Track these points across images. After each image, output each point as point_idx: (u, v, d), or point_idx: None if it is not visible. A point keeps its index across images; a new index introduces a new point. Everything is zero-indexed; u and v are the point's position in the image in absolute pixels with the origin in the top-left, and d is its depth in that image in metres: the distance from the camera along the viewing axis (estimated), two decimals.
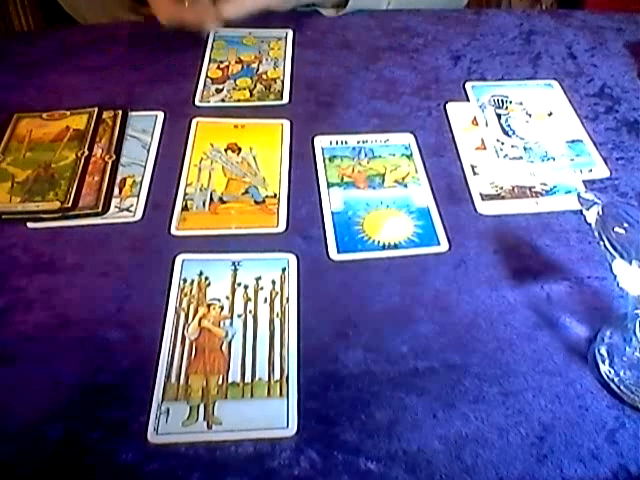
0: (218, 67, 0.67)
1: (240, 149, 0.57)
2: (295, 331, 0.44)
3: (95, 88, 0.63)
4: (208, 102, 0.63)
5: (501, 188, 0.54)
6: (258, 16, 0.66)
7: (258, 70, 0.66)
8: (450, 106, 0.62)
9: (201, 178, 0.55)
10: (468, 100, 0.63)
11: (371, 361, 0.42)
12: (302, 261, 0.48)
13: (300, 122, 0.60)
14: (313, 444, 0.38)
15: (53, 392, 0.41)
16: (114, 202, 0.52)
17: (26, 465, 0.38)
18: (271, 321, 0.44)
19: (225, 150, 0.57)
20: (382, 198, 0.53)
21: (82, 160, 0.55)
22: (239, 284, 0.46)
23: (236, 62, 0.68)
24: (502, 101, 0.63)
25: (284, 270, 0.47)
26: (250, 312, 0.45)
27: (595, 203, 0.39)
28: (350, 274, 0.48)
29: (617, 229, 0.38)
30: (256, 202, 0.53)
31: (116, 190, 0.53)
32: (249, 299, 0.45)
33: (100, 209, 0.51)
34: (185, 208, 0.52)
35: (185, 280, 0.47)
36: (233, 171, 0.55)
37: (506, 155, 0.57)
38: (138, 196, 0.53)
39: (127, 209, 0.52)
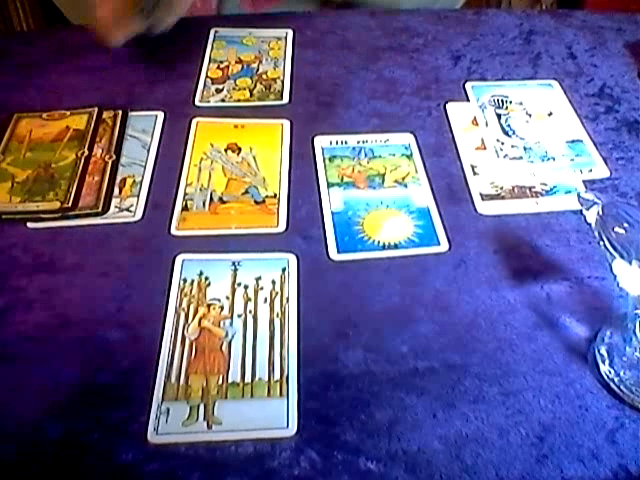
0: (218, 67, 0.67)
1: (240, 149, 0.57)
2: (295, 331, 0.44)
3: (95, 88, 0.63)
4: (208, 102, 0.63)
5: (501, 188, 0.54)
6: (258, 16, 0.66)
7: (258, 70, 0.66)
8: (450, 106, 0.62)
9: (201, 178, 0.55)
10: (468, 100, 0.63)
11: (371, 361, 0.42)
12: (302, 261, 0.48)
13: (300, 122, 0.60)
14: (313, 444, 0.38)
15: (53, 392, 0.41)
16: (114, 202, 0.52)
17: (26, 465, 0.38)
18: (271, 321, 0.44)
19: (225, 150, 0.57)
20: (382, 198, 0.53)
21: (82, 160, 0.55)
22: (239, 284, 0.46)
23: (236, 62, 0.68)
24: (502, 101, 0.63)
25: (284, 270, 0.47)
26: (250, 312, 0.45)
27: (595, 203, 0.39)
28: (350, 274, 0.48)
29: (617, 229, 0.38)
30: (256, 202, 0.53)
31: (116, 190, 0.53)
32: (249, 299, 0.45)
33: (100, 209, 0.51)
34: (185, 208, 0.52)
35: (185, 280, 0.47)
36: (233, 171, 0.55)
37: (506, 155, 0.57)
38: (138, 196, 0.53)
39: (127, 209, 0.52)
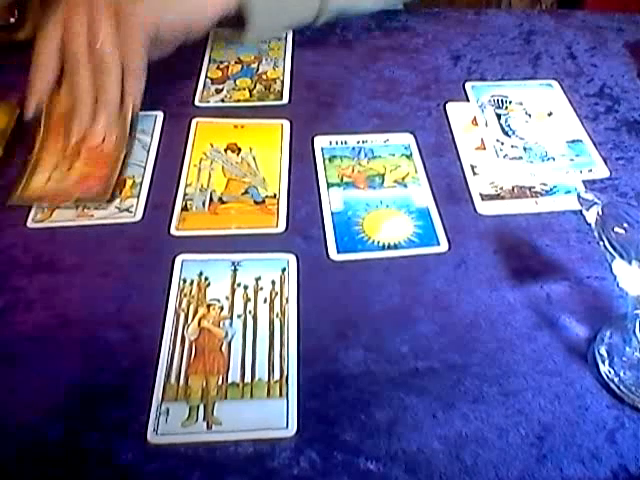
0: (218, 67, 0.67)
1: (240, 149, 0.57)
2: (295, 331, 0.44)
3: None
4: (208, 102, 0.63)
5: (501, 188, 0.54)
6: None
7: (258, 70, 0.66)
8: (450, 106, 0.62)
9: (201, 178, 0.55)
10: (468, 100, 0.63)
11: (371, 361, 0.42)
12: (302, 261, 0.48)
13: (300, 122, 0.60)
14: (313, 444, 0.38)
15: (53, 392, 0.41)
16: (114, 202, 0.52)
17: (26, 465, 0.38)
18: (271, 321, 0.44)
19: (225, 150, 0.57)
20: (382, 198, 0.53)
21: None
22: (239, 284, 0.46)
23: (236, 62, 0.68)
24: (502, 101, 0.63)
25: (284, 270, 0.47)
26: (250, 312, 0.45)
27: (595, 203, 0.39)
28: (350, 274, 0.48)
29: (617, 229, 0.38)
30: (256, 202, 0.53)
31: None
32: (249, 299, 0.45)
33: (108, 197, 0.51)
34: (185, 208, 0.52)
35: (185, 280, 0.47)
36: (233, 171, 0.55)
37: (506, 155, 0.57)
38: (138, 196, 0.53)
39: (127, 209, 0.52)
